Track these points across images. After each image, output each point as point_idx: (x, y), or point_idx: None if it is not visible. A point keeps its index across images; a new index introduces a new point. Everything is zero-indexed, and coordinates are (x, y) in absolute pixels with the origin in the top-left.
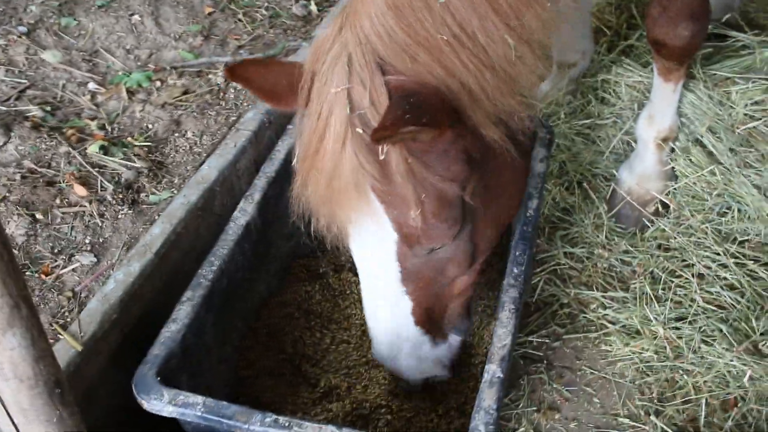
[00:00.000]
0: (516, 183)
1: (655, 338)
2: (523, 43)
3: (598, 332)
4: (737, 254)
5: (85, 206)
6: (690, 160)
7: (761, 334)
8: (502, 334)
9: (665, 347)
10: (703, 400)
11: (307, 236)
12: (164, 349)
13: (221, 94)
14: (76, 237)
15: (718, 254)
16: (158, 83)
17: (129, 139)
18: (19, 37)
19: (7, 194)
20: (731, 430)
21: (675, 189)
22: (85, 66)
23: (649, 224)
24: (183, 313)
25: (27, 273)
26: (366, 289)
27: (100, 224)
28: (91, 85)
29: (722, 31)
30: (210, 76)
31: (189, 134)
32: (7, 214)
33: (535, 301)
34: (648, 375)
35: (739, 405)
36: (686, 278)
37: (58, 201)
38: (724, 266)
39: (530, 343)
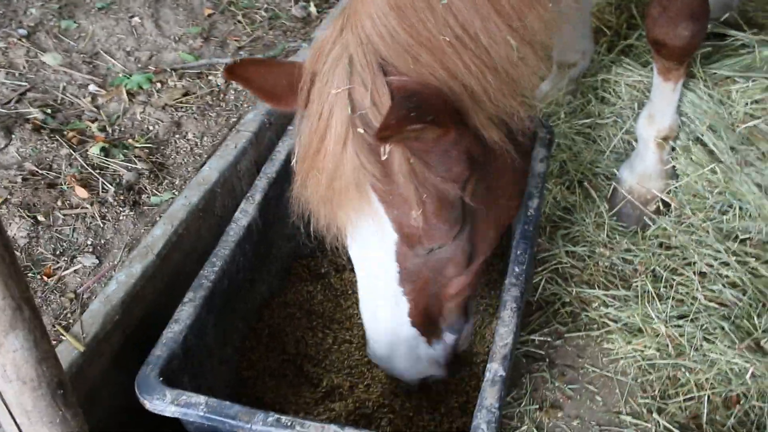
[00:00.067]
0: (516, 184)
1: (656, 336)
2: (525, 44)
3: (600, 330)
4: (738, 252)
5: (86, 208)
6: (691, 158)
7: (763, 331)
8: (503, 333)
9: (667, 345)
10: (706, 398)
11: (307, 236)
12: (166, 350)
13: (221, 95)
14: (77, 239)
15: (720, 252)
16: (159, 85)
17: (130, 140)
18: (20, 39)
19: (9, 196)
20: (733, 427)
21: (676, 187)
22: (85, 68)
23: (650, 223)
24: (185, 314)
25: (29, 275)
26: (363, 289)
27: (101, 226)
28: (92, 87)
29: (721, 30)
30: (210, 77)
31: (190, 136)
32: (8, 216)
33: (536, 299)
34: (650, 373)
35: (741, 402)
36: (688, 276)
37: (59, 203)
38: (726, 264)
39: (532, 342)
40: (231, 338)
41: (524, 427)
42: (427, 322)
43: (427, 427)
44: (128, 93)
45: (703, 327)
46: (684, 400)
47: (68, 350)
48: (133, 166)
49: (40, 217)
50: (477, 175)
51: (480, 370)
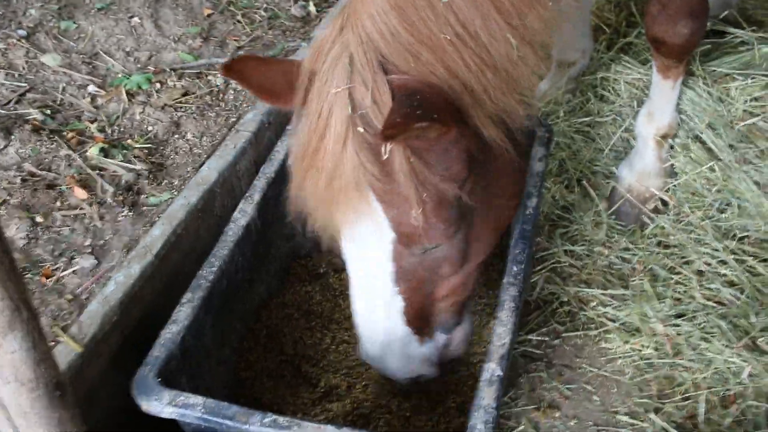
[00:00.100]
0: (515, 184)
1: (654, 335)
2: (524, 42)
3: (598, 330)
4: (737, 251)
5: (85, 209)
6: (689, 156)
7: (760, 330)
8: (501, 333)
9: (665, 344)
10: (703, 397)
11: (304, 236)
12: (164, 350)
13: (221, 95)
14: (76, 239)
15: (718, 251)
16: (158, 85)
17: (129, 141)
18: (19, 40)
19: (8, 197)
20: (730, 426)
21: (674, 186)
22: (84, 69)
23: (648, 221)
24: (183, 314)
25: (27, 276)
26: (357, 288)
27: (100, 226)
28: (91, 88)
29: (721, 28)
30: (209, 77)
31: (189, 136)
32: (7, 217)
33: (534, 299)
34: (647, 372)
35: (738, 401)
36: (686, 275)
37: (58, 204)
38: (724, 263)
39: (530, 342)
40: (229, 339)
41: (521, 427)
42: (420, 321)
43: (424, 428)
44: (127, 93)
45: (701, 326)
46: (681, 400)
47: (66, 351)
48: (132, 166)
49: (39, 218)
50: (476, 174)
51: (477, 370)
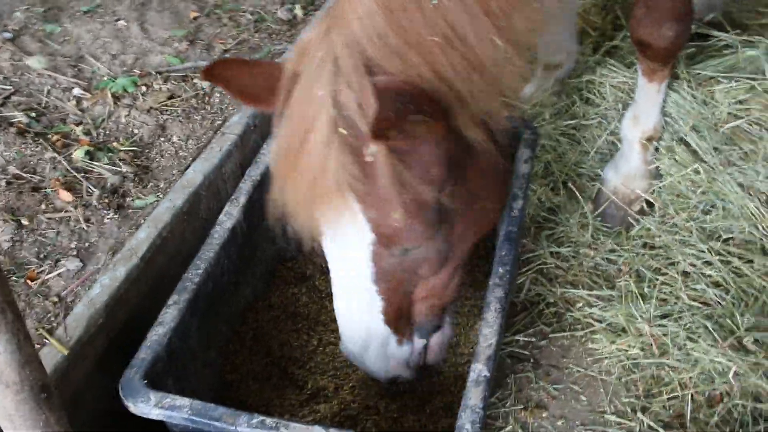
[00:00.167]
0: (498, 186)
1: (640, 336)
2: (510, 44)
3: (585, 330)
4: (722, 252)
5: (70, 211)
6: (674, 159)
7: (746, 330)
8: (488, 334)
9: (651, 344)
10: (689, 396)
11: (284, 236)
12: (150, 353)
13: (207, 98)
14: (61, 242)
15: (703, 252)
16: (144, 88)
17: (114, 144)
18: (4, 43)
19: None
20: (717, 425)
21: (660, 188)
22: (70, 72)
23: (634, 223)
24: (169, 316)
25: (13, 278)
26: (338, 287)
27: (85, 229)
28: (76, 91)
29: (705, 31)
30: (195, 80)
31: (174, 139)
32: None
33: (521, 300)
34: (634, 372)
35: (724, 401)
36: (671, 276)
37: (43, 206)
38: (709, 264)
39: (517, 342)
40: (215, 341)
41: (509, 427)
42: (399, 321)
43: (412, 428)
44: (113, 96)
45: (687, 326)
46: (668, 399)
47: (52, 354)
48: (118, 169)
49: (24, 221)
50: (457, 177)
51: (465, 371)
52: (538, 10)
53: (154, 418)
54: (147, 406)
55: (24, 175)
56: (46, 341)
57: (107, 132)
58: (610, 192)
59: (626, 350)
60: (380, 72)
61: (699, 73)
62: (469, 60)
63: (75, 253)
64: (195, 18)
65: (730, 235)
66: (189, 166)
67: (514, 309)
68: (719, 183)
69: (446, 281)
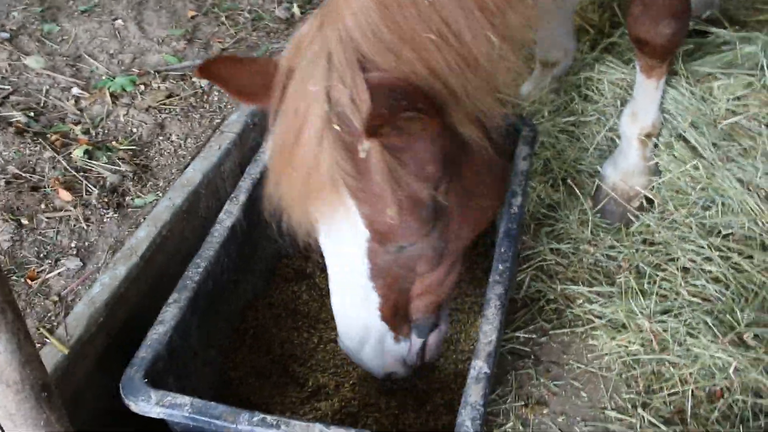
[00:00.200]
0: (495, 184)
1: (641, 332)
2: (504, 41)
3: (585, 327)
4: (721, 247)
5: (70, 211)
6: (673, 155)
7: (746, 325)
8: (488, 330)
9: (651, 340)
10: (689, 392)
11: (278, 232)
12: (151, 351)
13: (205, 97)
14: (61, 241)
15: (703, 248)
16: (142, 87)
17: (113, 143)
18: (2, 43)
19: None
20: (717, 420)
21: (659, 184)
22: (68, 71)
23: (633, 219)
24: (169, 315)
25: (13, 278)
26: (334, 284)
27: (85, 228)
28: (75, 90)
29: (703, 28)
30: (194, 79)
31: (173, 137)
32: None
33: (521, 297)
34: (634, 368)
35: (724, 396)
36: (671, 272)
37: (43, 206)
38: (709, 259)
39: (517, 339)
40: (216, 339)
41: (510, 424)
42: (396, 317)
43: (412, 426)
44: (111, 95)
45: (687, 322)
46: (668, 395)
47: (52, 353)
48: (117, 168)
49: (24, 221)
50: (452, 174)
51: (465, 368)
52: (532, 7)
53: (155, 416)
54: (147, 404)
55: (23, 174)
56: (47, 340)
57: (106, 131)
58: (610, 188)
59: (626, 346)
60: (374, 68)
61: (697, 70)
62: (464, 56)
63: (75, 252)
64: (193, 17)
65: (730, 231)
66: (188, 164)
67: (515, 306)
68: (718, 179)
69: (442, 278)
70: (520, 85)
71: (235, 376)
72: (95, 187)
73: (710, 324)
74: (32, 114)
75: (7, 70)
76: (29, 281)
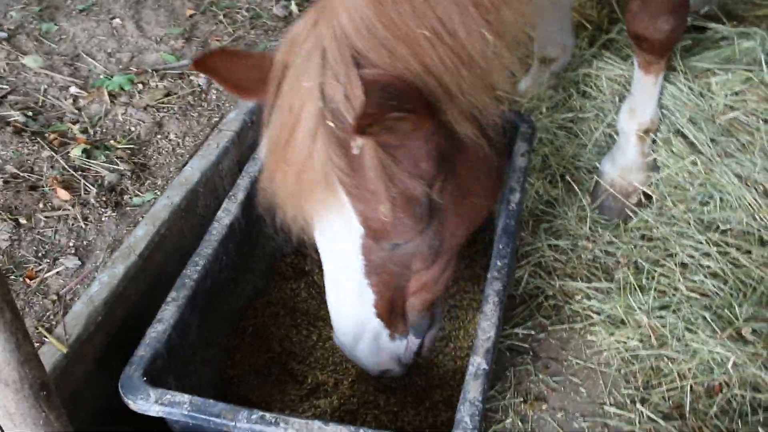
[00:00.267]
0: (490, 181)
1: (639, 327)
2: (499, 38)
3: (583, 323)
4: (720, 243)
5: (68, 210)
6: (671, 150)
7: (744, 320)
8: (486, 327)
9: (650, 336)
10: (688, 387)
11: (272, 227)
12: (150, 350)
13: (203, 95)
14: (60, 240)
15: (701, 243)
16: (140, 86)
17: (111, 142)
18: (0, 42)
19: None
20: (716, 415)
21: (657, 180)
22: (66, 70)
23: (632, 215)
24: (168, 313)
25: (11, 277)
26: (329, 280)
27: (83, 227)
28: (73, 89)
29: (701, 23)
30: (192, 78)
31: (171, 136)
32: None
33: (520, 293)
34: (633, 364)
35: (723, 391)
36: (669, 267)
37: (41, 205)
38: (707, 255)
39: (516, 335)
40: (215, 337)
41: (509, 420)
42: (391, 314)
43: (411, 422)
44: (110, 94)
45: (685, 317)
46: (667, 390)
47: (51, 352)
48: (115, 167)
49: (22, 220)
50: (446, 172)
51: (464, 364)
52: (527, 3)
53: (154, 414)
54: (146, 403)
55: (21, 174)
56: (46, 339)
57: (104, 130)
58: (608, 184)
59: (625, 342)
60: (368, 64)
61: (695, 65)
62: (458, 53)
63: (73, 251)
64: (191, 15)
65: (728, 226)
66: (186, 163)
67: (513, 302)
68: (716, 174)
69: (438, 276)
70: (516, 82)
71: (234, 374)
72: (93, 186)
73: (708, 319)
74: (30, 113)
75: (5, 70)
76: (28, 280)
